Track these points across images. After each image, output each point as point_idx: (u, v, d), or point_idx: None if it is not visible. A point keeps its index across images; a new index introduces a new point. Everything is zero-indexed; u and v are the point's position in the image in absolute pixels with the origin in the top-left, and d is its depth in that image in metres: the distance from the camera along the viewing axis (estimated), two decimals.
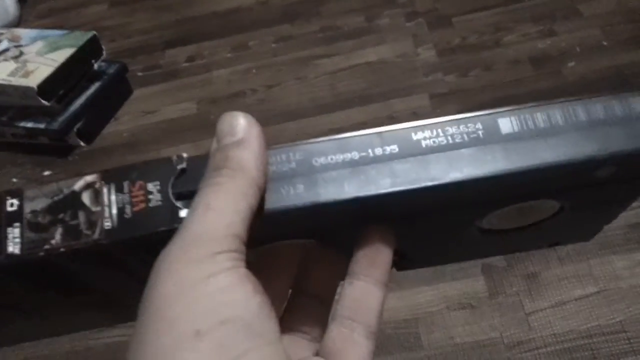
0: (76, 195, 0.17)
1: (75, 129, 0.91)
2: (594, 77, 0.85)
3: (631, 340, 0.58)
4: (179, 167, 0.18)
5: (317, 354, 0.19)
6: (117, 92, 1.00)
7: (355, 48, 1.00)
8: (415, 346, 0.62)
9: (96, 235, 0.17)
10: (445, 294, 0.65)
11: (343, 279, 0.19)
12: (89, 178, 0.17)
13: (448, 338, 0.62)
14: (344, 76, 0.96)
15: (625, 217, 0.67)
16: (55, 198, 0.17)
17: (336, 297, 0.21)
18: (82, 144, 0.93)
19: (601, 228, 0.24)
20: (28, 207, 0.17)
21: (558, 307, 0.62)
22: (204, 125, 0.94)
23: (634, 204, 0.71)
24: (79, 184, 0.17)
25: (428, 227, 0.20)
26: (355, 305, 0.18)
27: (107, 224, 0.17)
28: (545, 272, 0.65)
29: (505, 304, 0.63)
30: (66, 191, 0.17)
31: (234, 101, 0.96)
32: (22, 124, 0.91)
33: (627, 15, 0.93)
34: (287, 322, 0.20)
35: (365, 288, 0.18)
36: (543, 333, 0.60)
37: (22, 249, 0.17)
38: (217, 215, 0.15)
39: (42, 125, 0.90)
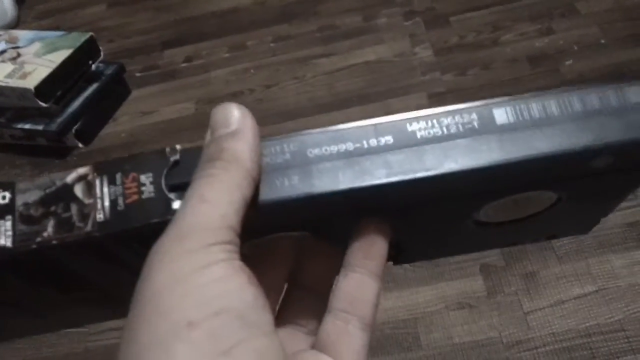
0: (69, 187, 0.17)
1: (73, 130, 0.91)
2: (592, 75, 0.85)
3: (630, 339, 0.58)
4: (172, 159, 0.18)
5: (313, 347, 0.18)
6: (115, 93, 1.00)
7: (353, 48, 1.00)
8: (414, 346, 0.62)
9: (89, 228, 0.17)
10: (444, 293, 0.65)
11: (339, 271, 0.19)
12: (82, 170, 0.17)
13: (447, 338, 0.62)
14: (342, 76, 0.96)
15: (623, 216, 0.67)
16: (48, 190, 0.17)
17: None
18: (80, 145, 0.93)
19: (599, 220, 0.24)
20: (20, 200, 0.17)
21: (557, 306, 0.62)
22: (202, 125, 0.93)
23: (632, 202, 0.71)
24: (71, 176, 0.17)
25: (424, 219, 0.20)
26: (350, 298, 0.18)
27: (100, 216, 0.17)
28: (543, 271, 0.65)
29: (504, 303, 0.63)
30: (59, 183, 0.17)
31: (232, 101, 0.96)
32: (20, 125, 0.91)
33: (625, 13, 0.93)
34: (283, 315, 0.20)
35: (360, 280, 0.18)
36: (542, 332, 0.60)
37: (14, 242, 0.17)
38: (210, 207, 0.15)
39: (40, 127, 0.90)
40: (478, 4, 1.01)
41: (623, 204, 0.69)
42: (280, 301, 0.21)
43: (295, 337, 0.20)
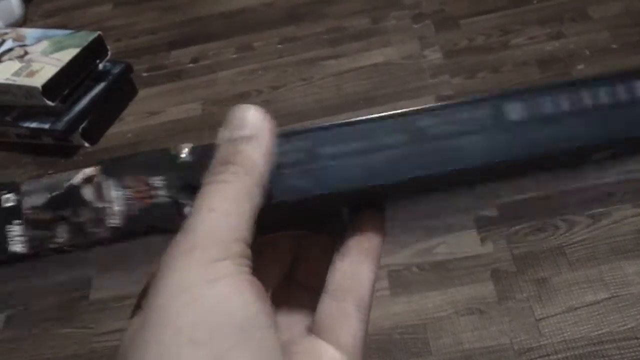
0: (76, 189, 0.17)
1: (79, 130, 0.91)
2: None
3: None
4: (182, 158, 0.17)
5: (309, 331, 0.18)
6: (121, 93, 0.99)
7: (361, 50, 1.00)
8: (424, 352, 0.61)
9: (102, 234, 0.16)
10: (454, 299, 0.64)
11: None
12: (88, 171, 0.17)
13: (456, 344, 0.61)
14: (349, 78, 0.95)
15: (636, 223, 0.66)
16: (55, 193, 0.17)
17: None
18: (86, 144, 0.93)
19: None
20: (27, 203, 0.17)
21: (569, 312, 0.61)
22: (209, 126, 0.93)
23: None
24: (77, 178, 0.17)
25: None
26: (345, 278, 0.18)
27: (112, 222, 0.16)
28: (555, 277, 0.64)
29: (515, 309, 0.62)
30: (65, 185, 0.17)
31: (239, 102, 0.96)
32: (26, 124, 0.90)
33: (636, 18, 0.92)
34: (281, 312, 0.20)
35: (357, 261, 0.18)
36: (553, 339, 0.59)
37: (26, 248, 0.16)
38: (220, 218, 0.15)
39: (46, 126, 0.89)
40: (487, 7, 1.01)
41: (635, 211, 0.68)
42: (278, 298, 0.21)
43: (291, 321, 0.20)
